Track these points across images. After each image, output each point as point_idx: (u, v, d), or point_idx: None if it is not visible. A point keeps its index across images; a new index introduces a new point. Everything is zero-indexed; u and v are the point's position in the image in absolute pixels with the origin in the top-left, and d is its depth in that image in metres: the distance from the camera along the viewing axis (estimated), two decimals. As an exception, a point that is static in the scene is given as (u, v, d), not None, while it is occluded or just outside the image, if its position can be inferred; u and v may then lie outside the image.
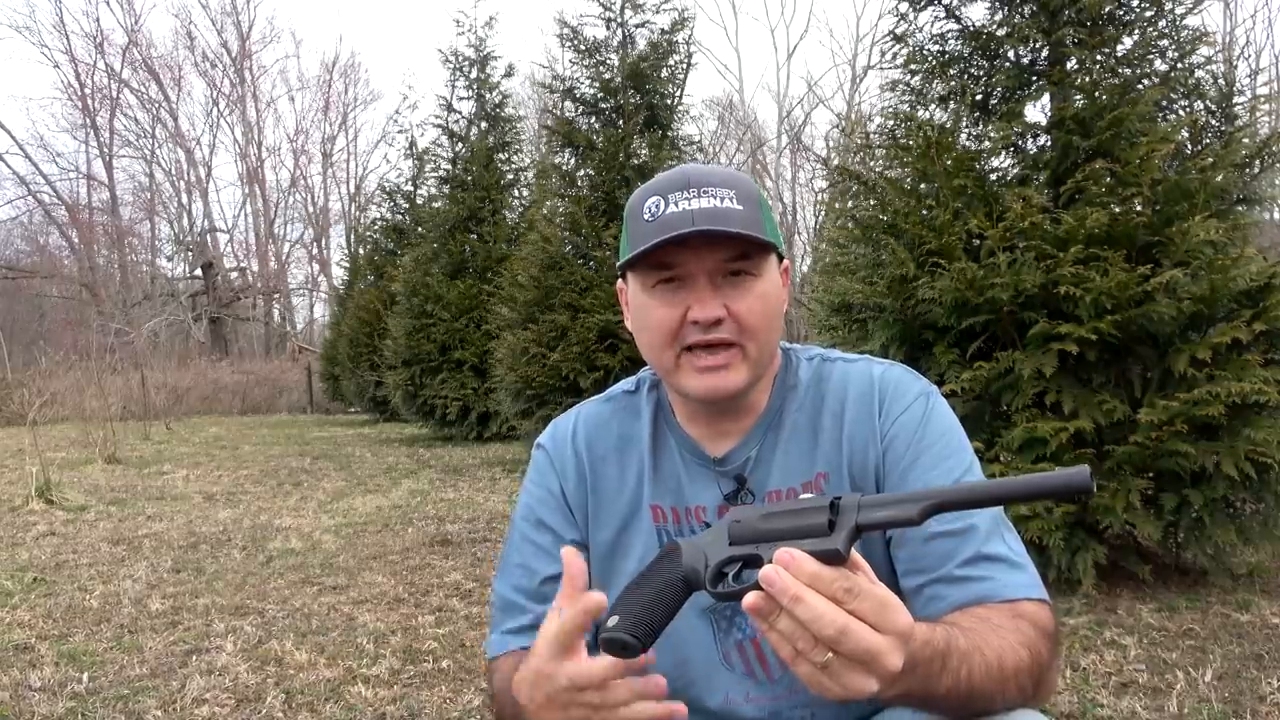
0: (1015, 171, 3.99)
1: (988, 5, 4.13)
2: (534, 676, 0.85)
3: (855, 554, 0.74)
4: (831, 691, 0.71)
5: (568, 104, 8.59)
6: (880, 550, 1.04)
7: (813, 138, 27.56)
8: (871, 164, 4.40)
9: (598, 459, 1.14)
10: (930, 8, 4.22)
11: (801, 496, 0.80)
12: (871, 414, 1.07)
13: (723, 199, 0.99)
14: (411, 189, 15.32)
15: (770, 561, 0.71)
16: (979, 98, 4.08)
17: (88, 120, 30.53)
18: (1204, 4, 3.93)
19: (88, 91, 30.37)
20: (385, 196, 16.31)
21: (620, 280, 1.11)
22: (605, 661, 0.81)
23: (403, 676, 2.90)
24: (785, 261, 1.07)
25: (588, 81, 8.42)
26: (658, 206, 1.00)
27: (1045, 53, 3.97)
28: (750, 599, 0.71)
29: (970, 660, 0.82)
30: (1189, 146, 3.81)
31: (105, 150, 30.68)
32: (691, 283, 1.00)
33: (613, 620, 0.85)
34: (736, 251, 0.99)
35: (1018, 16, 3.95)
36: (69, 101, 30.94)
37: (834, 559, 0.72)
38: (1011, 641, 0.87)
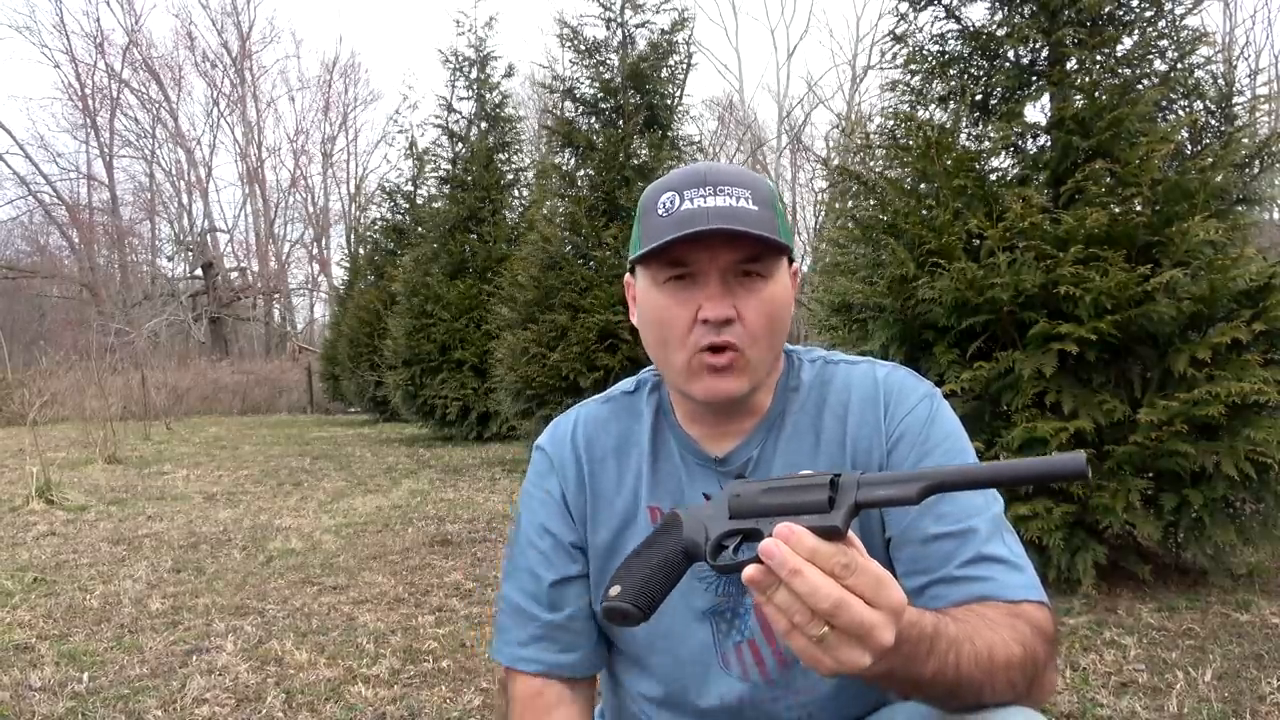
0: (1015, 171, 3.99)
1: (988, 5, 4.13)
2: None
3: (851, 533, 0.75)
4: (825, 665, 0.72)
5: (568, 104, 8.58)
6: (881, 552, 1.04)
7: (813, 138, 27.57)
8: (871, 164, 4.40)
9: (596, 460, 1.14)
10: (930, 8, 4.22)
11: (802, 472, 0.80)
12: (877, 415, 1.07)
13: (739, 199, 0.98)
14: (411, 189, 15.30)
15: (770, 535, 0.72)
16: (979, 98, 4.08)
17: (88, 120, 30.55)
18: (1204, 4, 3.93)
19: (88, 92, 30.39)
20: (385, 196, 16.28)
21: (629, 274, 1.11)
22: None
23: (403, 676, 2.90)
24: (795, 265, 1.07)
25: (588, 81, 8.41)
26: (672, 202, 0.99)
27: (1045, 53, 3.96)
28: (749, 571, 0.72)
29: (959, 647, 0.83)
30: (1189, 146, 3.81)
31: (105, 150, 30.71)
32: (703, 280, 0.99)
33: (614, 589, 0.86)
34: (750, 252, 0.99)
35: (1018, 16, 3.95)
36: (69, 101, 30.98)
37: (833, 535, 0.73)
38: (1004, 636, 0.88)
